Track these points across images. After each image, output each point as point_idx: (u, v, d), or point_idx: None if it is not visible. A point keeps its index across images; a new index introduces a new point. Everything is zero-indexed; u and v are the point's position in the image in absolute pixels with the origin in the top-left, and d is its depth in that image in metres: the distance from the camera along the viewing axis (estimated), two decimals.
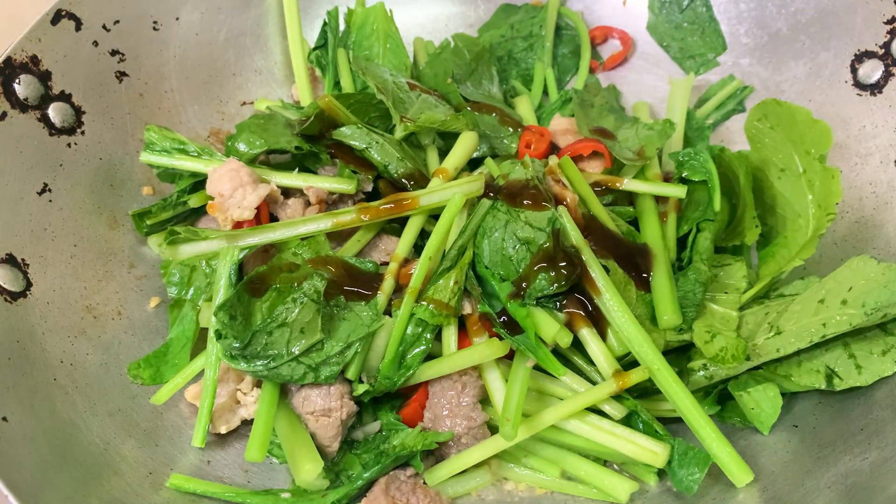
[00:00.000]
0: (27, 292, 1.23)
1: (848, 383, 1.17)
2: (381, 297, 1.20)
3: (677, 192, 1.36)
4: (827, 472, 1.11)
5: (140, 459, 1.17)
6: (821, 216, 1.28)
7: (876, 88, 1.43)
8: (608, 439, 1.16)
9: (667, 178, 1.42)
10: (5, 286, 1.20)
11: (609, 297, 1.18)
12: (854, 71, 1.47)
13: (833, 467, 1.11)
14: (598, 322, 1.21)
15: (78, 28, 1.37)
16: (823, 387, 1.18)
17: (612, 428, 1.17)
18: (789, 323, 1.19)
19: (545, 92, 1.70)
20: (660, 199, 1.39)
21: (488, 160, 1.40)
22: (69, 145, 1.36)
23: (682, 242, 1.37)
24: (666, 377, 1.15)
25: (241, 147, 1.36)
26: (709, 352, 1.20)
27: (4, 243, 1.23)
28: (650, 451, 1.14)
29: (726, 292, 1.28)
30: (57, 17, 1.34)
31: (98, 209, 1.38)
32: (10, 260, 1.22)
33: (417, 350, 1.18)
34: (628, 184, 1.37)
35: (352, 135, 1.37)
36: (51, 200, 1.31)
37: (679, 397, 1.15)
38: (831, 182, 1.26)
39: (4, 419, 1.07)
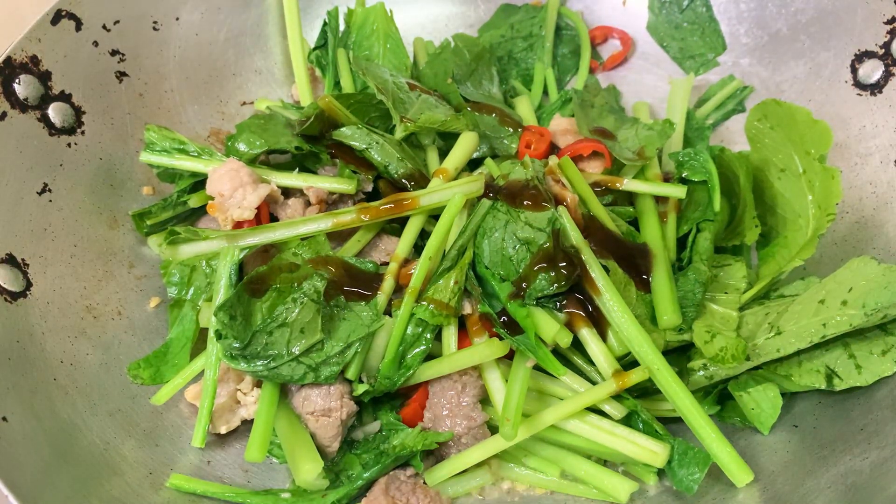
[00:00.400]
0: (27, 292, 1.23)
1: (848, 383, 1.17)
2: (381, 297, 1.20)
3: (677, 192, 1.36)
4: (827, 472, 1.11)
5: (140, 459, 1.17)
6: (821, 216, 1.28)
7: (876, 88, 1.43)
8: (608, 439, 1.16)
9: (667, 179, 1.42)
10: (5, 286, 1.20)
11: (609, 297, 1.18)
12: (854, 71, 1.47)
13: (833, 467, 1.11)
14: (599, 322, 1.21)
15: (78, 28, 1.37)
16: (824, 387, 1.18)
17: (612, 428, 1.17)
18: (789, 323, 1.19)
19: (545, 92, 1.70)
20: (660, 200, 1.39)
21: (488, 160, 1.40)
22: (69, 145, 1.36)
23: (681, 242, 1.37)
24: (666, 377, 1.15)
25: (242, 147, 1.36)
26: (709, 352, 1.19)
27: (4, 243, 1.23)
28: (650, 450, 1.14)
29: (726, 292, 1.28)
30: (57, 17, 1.34)
31: (98, 209, 1.38)
32: (10, 260, 1.22)
33: (417, 350, 1.18)
34: (628, 184, 1.37)
35: (352, 135, 1.37)
36: (51, 200, 1.31)
37: (679, 397, 1.15)
38: (831, 182, 1.26)
39: (4, 419, 1.06)
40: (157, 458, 1.19)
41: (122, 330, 1.33)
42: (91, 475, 1.10)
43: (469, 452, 1.17)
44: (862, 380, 1.16)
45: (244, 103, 1.65)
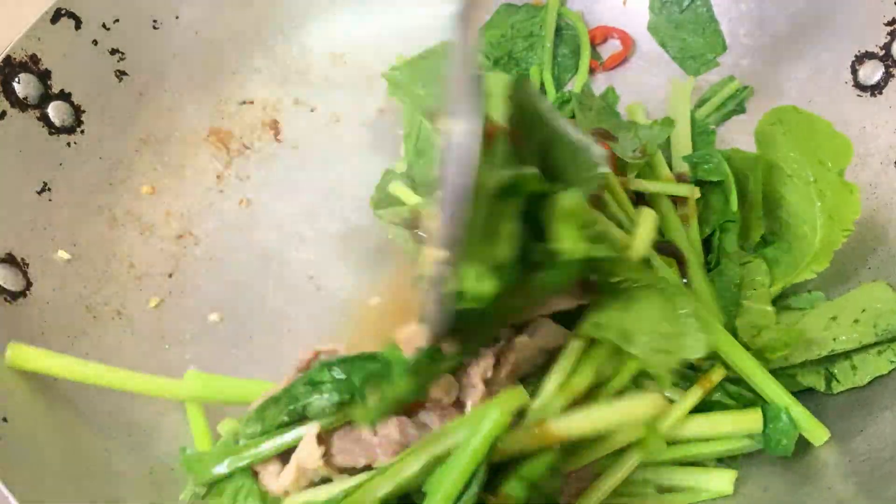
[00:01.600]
0: (27, 292, 1.23)
1: (845, 385, 1.18)
2: None
3: (689, 190, 1.34)
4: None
5: (140, 459, 1.17)
6: (833, 228, 1.25)
7: (876, 89, 1.43)
8: (713, 427, 1.15)
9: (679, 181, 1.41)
10: (5, 286, 1.19)
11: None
12: (854, 72, 1.47)
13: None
14: None
15: (78, 27, 1.37)
16: (823, 389, 1.19)
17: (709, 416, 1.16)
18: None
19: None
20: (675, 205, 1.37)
21: None
22: (69, 144, 1.35)
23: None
24: (740, 357, 1.15)
25: None
26: (757, 344, 1.18)
27: (4, 243, 1.22)
28: (750, 417, 1.14)
29: (754, 289, 1.27)
30: (57, 15, 1.33)
31: (98, 209, 1.38)
32: (10, 260, 1.22)
33: None
34: (636, 183, 1.35)
35: None
36: (51, 200, 1.31)
37: (754, 372, 1.15)
38: (850, 198, 1.22)
39: (4, 419, 1.06)
40: (158, 458, 1.19)
41: (122, 330, 1.32)
42: (91, 475, 1.10)
43: None
44: (857, 380, 1.17)
45: (244, 102, 1.65)
